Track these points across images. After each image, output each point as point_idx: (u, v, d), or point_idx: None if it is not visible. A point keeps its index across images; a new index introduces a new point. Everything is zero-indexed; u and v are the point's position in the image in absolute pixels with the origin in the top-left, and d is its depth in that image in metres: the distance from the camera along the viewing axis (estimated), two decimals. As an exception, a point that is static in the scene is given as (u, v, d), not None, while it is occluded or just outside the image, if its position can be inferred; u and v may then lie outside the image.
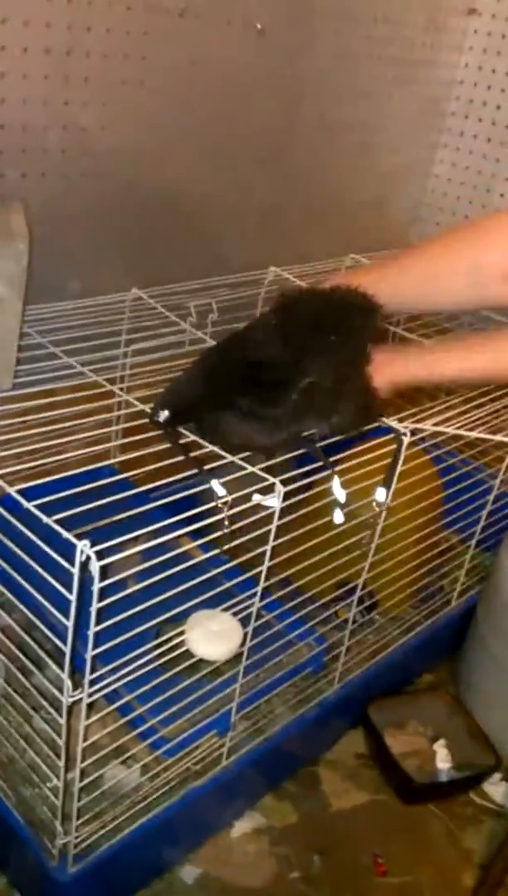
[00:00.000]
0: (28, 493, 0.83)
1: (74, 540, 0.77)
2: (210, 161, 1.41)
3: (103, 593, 0.80)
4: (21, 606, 0.90)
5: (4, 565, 0.90)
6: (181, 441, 0.96)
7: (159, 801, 1.07)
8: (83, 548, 0.76)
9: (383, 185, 1.77)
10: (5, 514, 0.85)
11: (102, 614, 0.81)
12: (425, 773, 1.34)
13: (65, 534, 0.79)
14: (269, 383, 0.94)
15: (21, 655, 1.06)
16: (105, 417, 1.08)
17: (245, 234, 1.55)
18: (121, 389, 1.10)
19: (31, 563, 0.82)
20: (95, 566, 0.77)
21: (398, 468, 1.10)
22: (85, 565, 0.77)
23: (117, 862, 1.02)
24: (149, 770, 1.07)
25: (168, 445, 0.96)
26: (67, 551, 0.77)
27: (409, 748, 1.36)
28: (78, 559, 0.77)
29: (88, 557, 0.76)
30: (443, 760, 1.37)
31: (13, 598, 0.92)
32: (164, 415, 0.93)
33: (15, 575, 0.87)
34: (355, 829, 1.27)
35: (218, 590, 0.94)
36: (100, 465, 1.03)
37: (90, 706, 0.87)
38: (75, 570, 0.77)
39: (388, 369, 1.06)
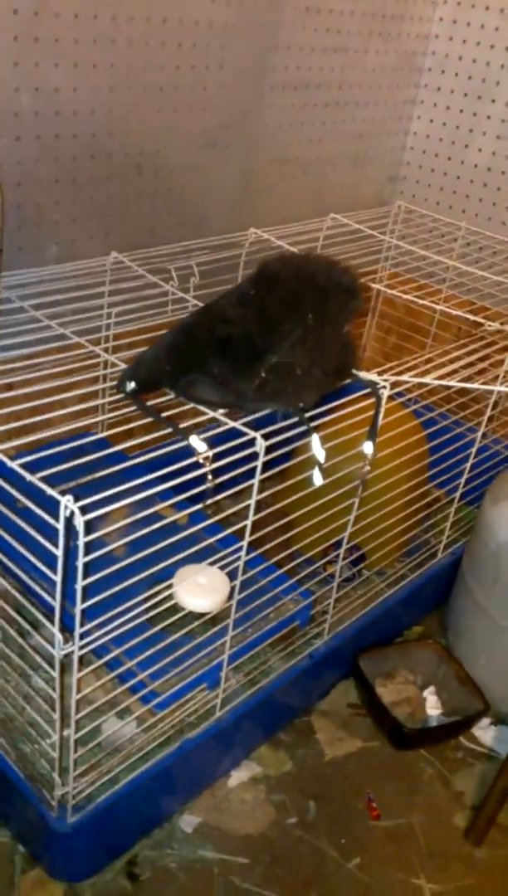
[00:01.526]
0: (15, 458, 0.84)
1: (57, 496, 0.79)
2: (184, 120, 1.40)
3: (90, 550, 0.81)
4: (14, 569, 0.92)
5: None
6: (151, 403, 0.99)
7: (155, 753, 1.10)
8: (67, 503, 0.78)
9: (361, 144, 1.76)
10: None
11: (92, 571, 0.83)
12: (415, 720, 1.37)
13: (49, 490, 0.80)
14: (239, 357, 0.96)
15: (18, 617, 1.08)
16: (92, 376, 1.09)
17: (224, 195, 1.55)
18: (105, 351, 1.10)
19: (22, 524, 0.84)
20: (79, 521, 0.78)
21: (380, 422, 1.12)
22: (70, 521, 0.79)
23: (116, 812, 1.05)
24: (144, 723, 1.09)
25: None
26: (55, 511, 0.78)
27: (399, 696, 1.40)
28: (62, 514, 0.78)
29: (73, 513, 0.78)
30: (433, 707, 1.40)
31: (7, 561, 0.93)
32: (130, 386, 0.98)
33: (7, 537, 0.88)
34: (349, 776, 1.31)
35: (203, 545, 0.96)
36: (88, 421, 1.04)
37: (83, 661, 0.90)
38: (60, 526, 0.79)
39: None
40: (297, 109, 1.59)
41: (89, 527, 0.79)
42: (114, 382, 1.04)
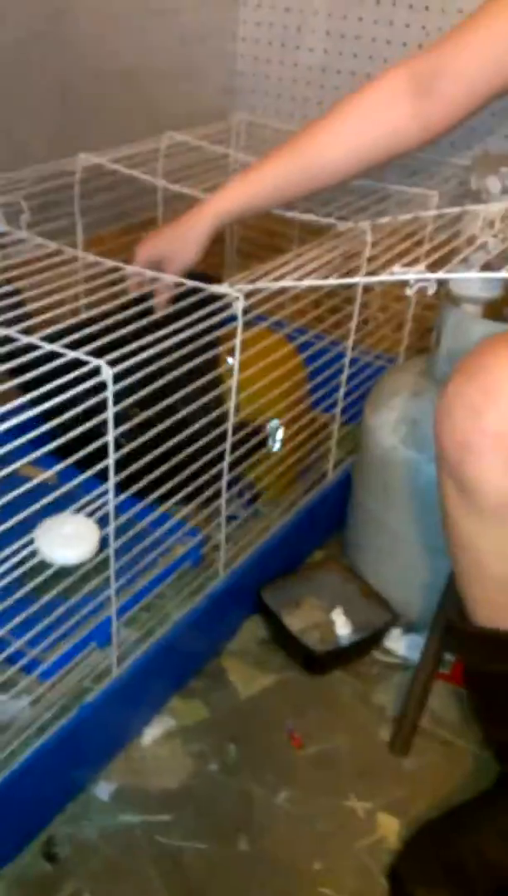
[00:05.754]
0: None
1: None
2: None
3: None
4: None
5: None
6: None
7: (54, 724, 1.01)
8: None
9: (187, 53, 1.65)
10: None
11: None
12: (326, 643, 1.34)
13: None
14: None
15: None
16: None
17: (40, 119, 1.41)
18: None
19: None
20: None
21: (240, 336, 1.06)
22: None
23: (19, 790, 0.97)
24: (33, 694, 1.01)
25: None
26: None
27: (308, 623, 1.36)
28: None
29: None
30: (342, 626, 1.37)
31: None
32: None
33: None
34: (267, 711, 1.26)
35: (61, 491, 0.87)
36: None
37: None
38: None
39: (211, 205, 1.12)
40: (108, 18, 1.46)
41: None
42: None
